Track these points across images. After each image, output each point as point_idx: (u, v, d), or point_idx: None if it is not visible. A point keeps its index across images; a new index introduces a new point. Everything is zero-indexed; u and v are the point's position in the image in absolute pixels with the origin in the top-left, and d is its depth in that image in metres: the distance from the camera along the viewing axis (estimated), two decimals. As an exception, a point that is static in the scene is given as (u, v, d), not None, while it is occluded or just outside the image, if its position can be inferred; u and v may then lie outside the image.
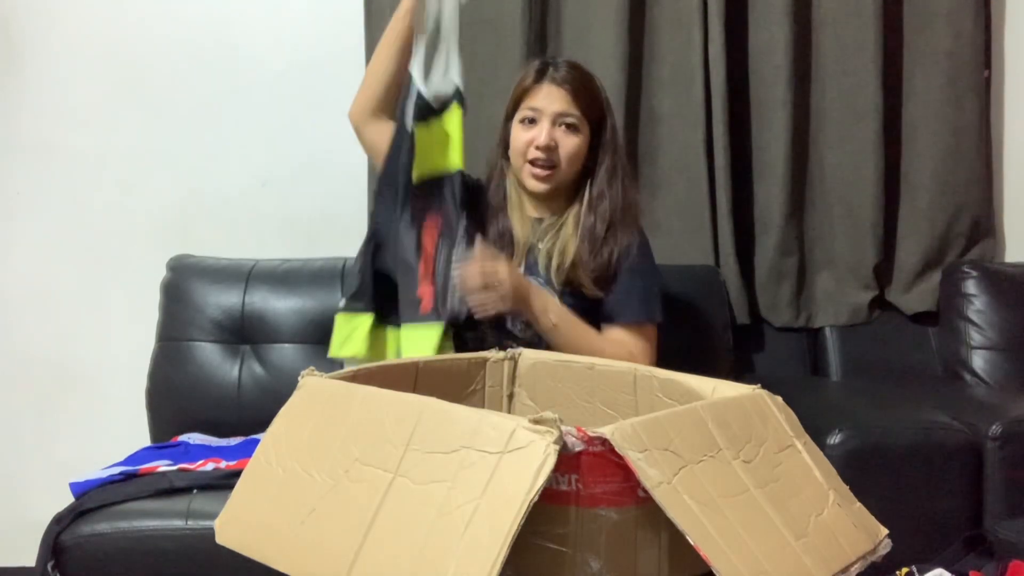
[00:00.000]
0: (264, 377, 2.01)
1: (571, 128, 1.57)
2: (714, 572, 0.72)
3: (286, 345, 2.04)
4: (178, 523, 1.50)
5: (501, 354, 1.30)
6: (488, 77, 2.13)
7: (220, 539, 0.94)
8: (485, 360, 1.34)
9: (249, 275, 2.08)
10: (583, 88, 1.58)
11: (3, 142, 2.24)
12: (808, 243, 2.28)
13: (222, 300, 2.05)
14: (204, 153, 2.26)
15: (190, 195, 2.26)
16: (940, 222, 2.24)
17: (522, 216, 1.63)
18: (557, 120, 1.56)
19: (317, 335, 2.04)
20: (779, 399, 0.97)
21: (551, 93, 1.56)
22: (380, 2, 2.15)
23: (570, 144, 1.56)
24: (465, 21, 2.15)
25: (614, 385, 1.17)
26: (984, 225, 2.28)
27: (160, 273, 2.11)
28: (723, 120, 2.16)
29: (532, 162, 1.56)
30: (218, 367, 2.02)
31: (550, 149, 1.55)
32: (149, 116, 2.25)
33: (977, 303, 2.18)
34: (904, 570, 1.49)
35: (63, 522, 1.50)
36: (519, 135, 1.58)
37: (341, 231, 2.22)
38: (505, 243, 1.61)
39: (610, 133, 1.62)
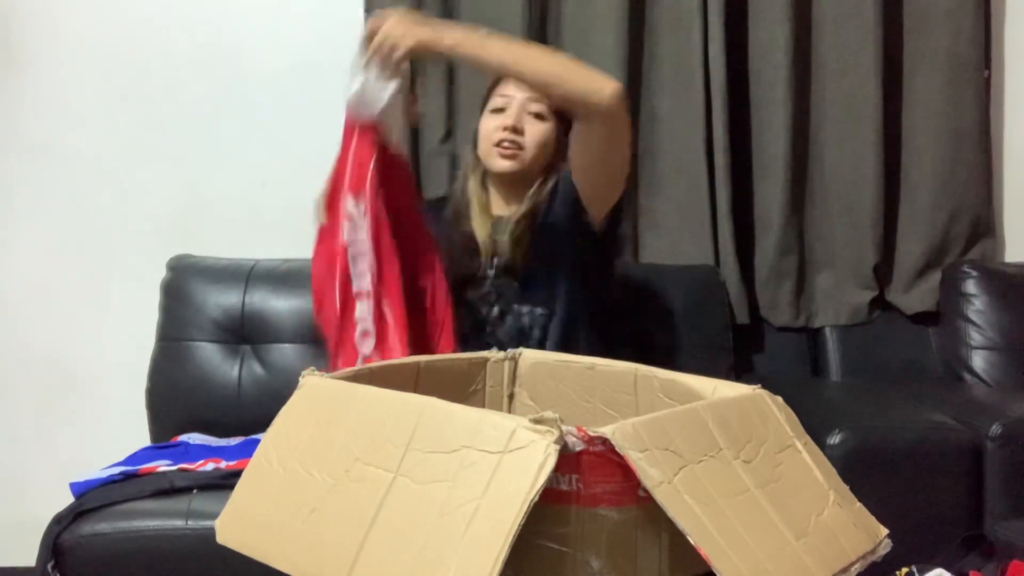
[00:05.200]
0: (264, 377, 2.01)
1: (538, 116, 1.57)
2: (715, 572, 0.72)
3: (286, 345, 2.04)
4: (178, 523, 1.50)
5: (501, 354, 1.30)
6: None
7: (221, 539, 0.94)
8: (486, 360, 1.34)
9: (249, 275, 2.08)
10: None
11: (3, 142, 2.24)
12: (808, 243, 2.28)
13: (222, 300, 2.05)
14: (204, 153, 2.26)
15: (190, 195, 2.26)
16: (940, 222, 2.24)
17: (485, 218, 1.62)
18: (525, 106, 1.56)
19: (317, 335, 2.04)
20: (779, 399, 0.97)
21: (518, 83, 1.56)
22: (380, 2, 2.15)
23: (536, 131, 1.57)
24: (465, 20, 2.18)
25: (614, 385, 1.17)
26: (984, 225, 2.28)
27: (160, 273, 2.11)
28: (723, 120, 2.16)
29: (498, 144, 1.57)
30: (218, 367, 2.02)
31: (516, 131, 1.55)
32: (149, 116, 2.25)
33: (977, 303, 2.18)
34: (904, 570, 1.49)
35: (63, 522, 1.50)
36: (488, 123, 1.59)
37: (341, 231, 2.22)
38: (468, 250, 1.60)
39: None
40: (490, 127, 1.58)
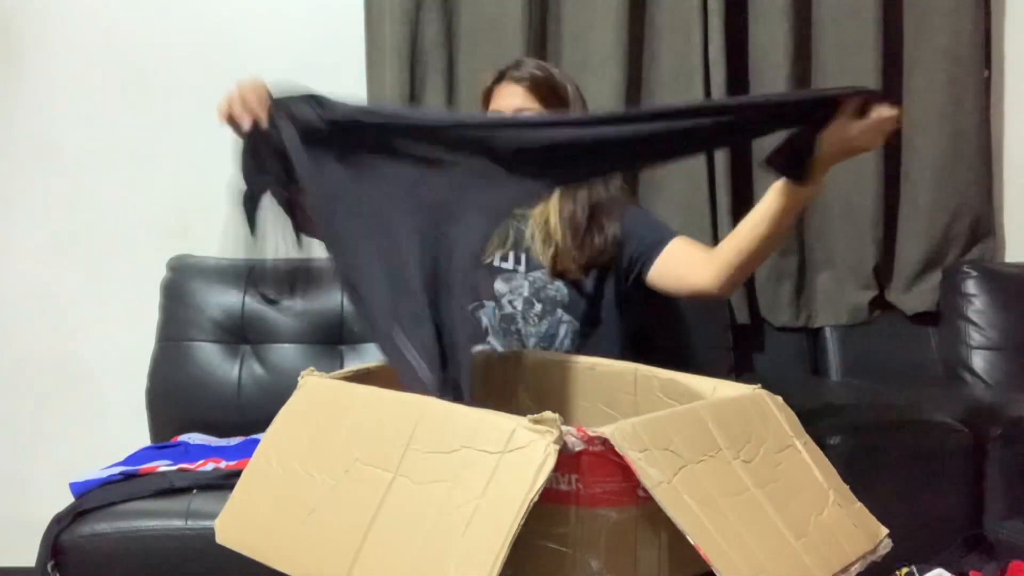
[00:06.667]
0: (264, 377, 2.01)
1: None
2: (714, 572, 0.72)
3: (286, 345, 2.04)
4: (178, 523, 1.50)
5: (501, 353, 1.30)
6: (488, 77, 2.13)
7: (220, 539, 0.94)
8: (486, 360, 1.34)
9: (249, 275, 2.08)
10: (542, 81, 1.57)
11: (3, 142, 2.24)
12: (808, 243, 2.28)
13: (222, 300, 2.05)
14: (204, 153, 2.25)
15: (190, 195, 2.26)
16: (940, 222, 2.24)
17: None
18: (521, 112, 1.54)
19: (317, 335, 2.05)
20: (779, 399, 0.97)
21: (510, 91, 1.56)
22: (380, 3, 2.15)
23: None
24: (465, 21, 2.18)
25: (614, 385, 1.17)
26: (984, 225, 2.28)
27: (160, 273, 2.11)
28: (723, 120, 2.16)
29: None
30: (218, 367, 2.02)
31: None
32: (149, 116, 2.24)
33: (977, 303, 2.18)
34: (904, 570, 1.49)
35: (63, 522, 1.50)
36: None
37: (341, 231, 2.21)
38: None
39: None
40: None
